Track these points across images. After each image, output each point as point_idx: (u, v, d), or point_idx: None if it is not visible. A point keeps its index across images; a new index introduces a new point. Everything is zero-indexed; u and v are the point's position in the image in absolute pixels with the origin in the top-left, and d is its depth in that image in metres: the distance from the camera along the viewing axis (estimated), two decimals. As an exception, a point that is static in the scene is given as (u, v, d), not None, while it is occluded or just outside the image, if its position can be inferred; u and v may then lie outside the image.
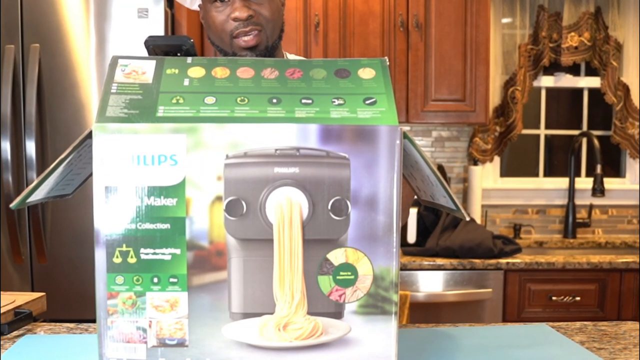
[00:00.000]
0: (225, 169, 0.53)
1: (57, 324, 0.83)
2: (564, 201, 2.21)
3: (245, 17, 0.84)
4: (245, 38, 0.86)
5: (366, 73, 0.58)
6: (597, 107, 2.26)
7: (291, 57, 1.00)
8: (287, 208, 0.53)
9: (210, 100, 0.55)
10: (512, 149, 2.26)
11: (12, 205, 0.56)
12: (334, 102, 0.55)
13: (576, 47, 2.14)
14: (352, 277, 0.53)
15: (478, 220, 2.06)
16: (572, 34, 2.14)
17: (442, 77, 1.88)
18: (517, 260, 1.72)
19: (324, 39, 1.83)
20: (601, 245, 2.13)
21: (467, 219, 0.55)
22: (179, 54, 0.65)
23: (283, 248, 0.53)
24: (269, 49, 0.89)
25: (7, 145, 1.48)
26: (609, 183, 2.18)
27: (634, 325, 0.84)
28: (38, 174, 1.48)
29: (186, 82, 0.57)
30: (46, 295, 0.91)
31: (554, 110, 2.29)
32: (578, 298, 1.73)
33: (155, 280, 0.53)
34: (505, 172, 2.27)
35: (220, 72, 0.58)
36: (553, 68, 2.21)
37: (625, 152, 2.25)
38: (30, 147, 1.48)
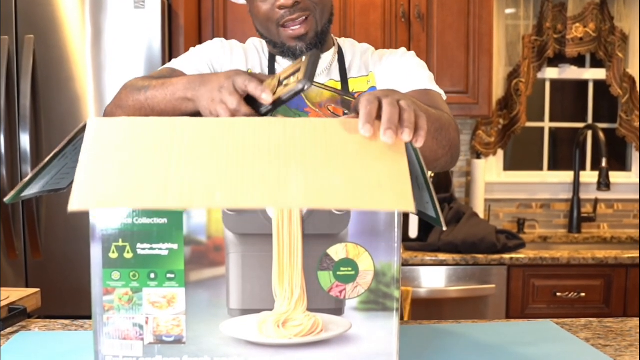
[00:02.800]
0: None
1: (52, 320, 0.83)
2: (568, 195, 2.19)
3: (292, 3, 0.79)
4: (294, 27, 0.80)
5: None
6: (602, 99, 2.24)
7: (341, 41, 0.94)
8: (286, 202, 0.52)
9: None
10: (515, 142, 2.24)
11: (6, 199, 0.55)
12: None
13: (581, 38, 2.11)
14: (353, 272, 0.52)
15: (481, 215, 2.04)
16: (577, 24, 2.11)
17: (445, 69, 1.85)
18: (521, 255, 1.71)
19: (325, 31, 1.81)
20: (607, 240, 2.11)
21: (445, 228, 0.53)
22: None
23: (282, 243, 0.52)
24: (319, 36, 0.84)
25: (1, 139, 1.47)
26: (615, 177, 2.16)
27: (641, 321, 0.83)
28: (33, 168, 1.47)
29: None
30: (41, 291, 0.90)
31: (558, 102, 2.27)
32: (583, 294, 1.72)
33: (152, 275, 0.52)
34: (509, 165, 2.25)
35: None
36: (557, 59, 2.18)
37: (631, 145, 2.22)
38: (25, 140, 1.47)
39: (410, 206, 0.46)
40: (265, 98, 0.60)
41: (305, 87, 0.57)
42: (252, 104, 0.62)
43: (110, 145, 0.50)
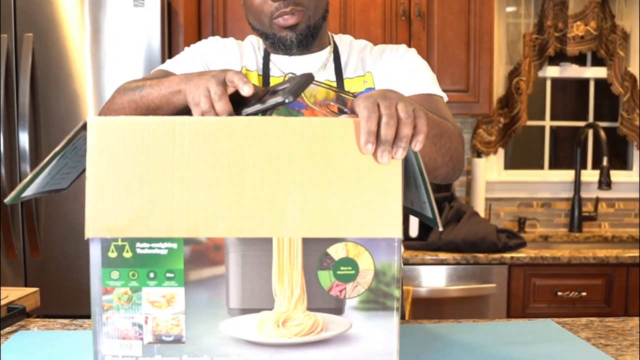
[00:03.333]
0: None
1: (51, 320, 0.82)
2: (569, 194, 2.19)
3: None
4: (286, 17, 0.81)
5: None
6: (603, 97, 2.23)
7: (338, 39, 0.94)
8: (285, 201, 0.52)
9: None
10: (516, 141, 2.24)
11: (6, 200, 0.55)
12: None
13: (582, 37, 2.11)
14: (353, 272, 0.52)
15: (482, 214, 2.04)
16: (578, 23, 2.10)
17: (445, 67, 1.85)
18: (522, 254, 1.70)
19: (326, 30, 1.81)
20: (607, 239, 2.11)
21: (441, 229, 0.53)
22: None
23: (282, 242, 0.52)
24: (311, 30, 0.84)
25: (0, 138, 1.47)
26: (616, 175, 2.16)
27: (643, 321, 0.83)
28: (32, 167, 1.47)
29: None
30: (40, 290, 0.90)
31: (559, 101, 2.26)
32: (584, 293, 1.72)
33: (152, 275, 0.52)
34: (510, 164, 2.25)
35: None
36: (558, 58, 2.17)
37: (632, 144, 2.22)
38: (24, 139, 1.47)
39: (398, 233, 0.51)
40: (246, 90, 0.62)
41: (287, 101, 0.60)
42: (236, 109, 0.64)
43: (114, 158, 0.51)
